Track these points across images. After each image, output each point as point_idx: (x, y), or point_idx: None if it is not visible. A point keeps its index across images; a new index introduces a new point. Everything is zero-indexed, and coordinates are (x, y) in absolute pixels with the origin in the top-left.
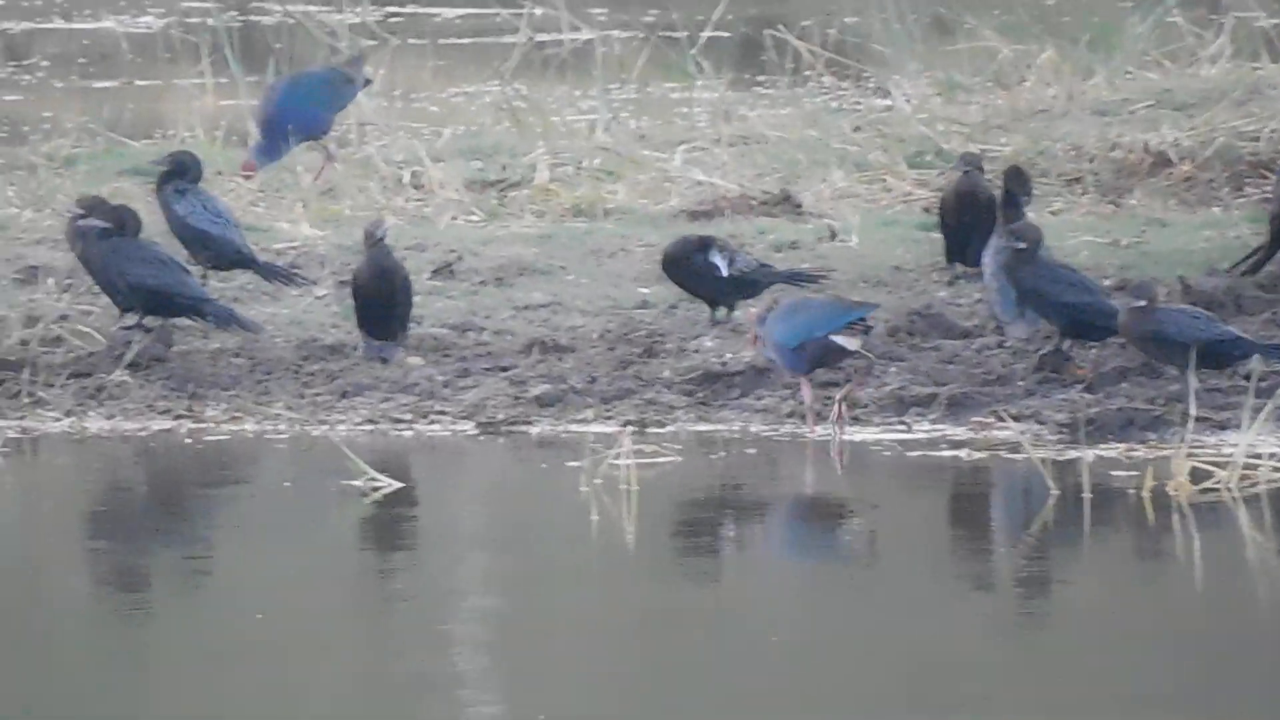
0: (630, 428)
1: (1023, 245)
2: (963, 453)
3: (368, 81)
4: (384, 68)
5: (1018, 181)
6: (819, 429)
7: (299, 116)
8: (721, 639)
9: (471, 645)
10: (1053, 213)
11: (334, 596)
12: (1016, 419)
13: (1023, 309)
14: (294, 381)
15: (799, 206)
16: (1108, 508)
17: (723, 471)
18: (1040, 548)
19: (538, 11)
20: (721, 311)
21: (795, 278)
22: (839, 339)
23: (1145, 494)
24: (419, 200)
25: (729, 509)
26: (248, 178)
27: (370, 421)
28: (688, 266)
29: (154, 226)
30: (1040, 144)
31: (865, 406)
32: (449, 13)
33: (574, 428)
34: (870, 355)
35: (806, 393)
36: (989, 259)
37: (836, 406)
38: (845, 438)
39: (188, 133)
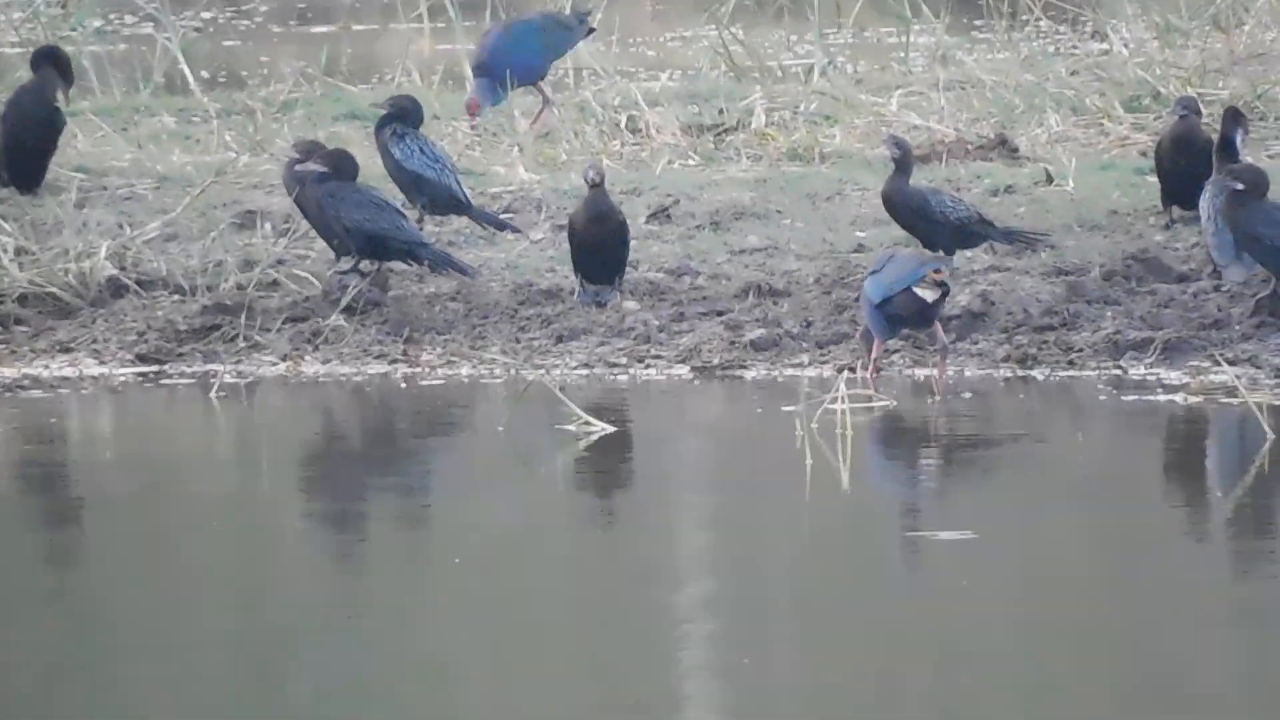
0: (846, 372)
1: (1240, 186)
2: (1179, 397)
3: (591, 30)
4: (601, 12)
5: (1235, 124)
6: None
7: (513, 62)
8: (959, 572)
9: (690, 593)
10: (1270, 156)
11: (548, 543)
12: (1232, 363)
13: (1240, 252)
14: (509, 326)
15: (1015, 151)
16: None
17: (937, 417)
18: (1256, 492)
19: None
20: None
21: (1012, 238)
22: (919, 290)
23: None
24: (635, 145)
25: (943, 455)
26: (472, 116)
27: (585, 366)
28: (908, 207)
29: (371, 170)
30: (1258, 88)
31: (1080, 351)
32: None
33: (789, 372)
34: (945, 341)
35: (877, 348)
36: (1205, 203)
37: (871, 365)
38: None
39: (405, 77)
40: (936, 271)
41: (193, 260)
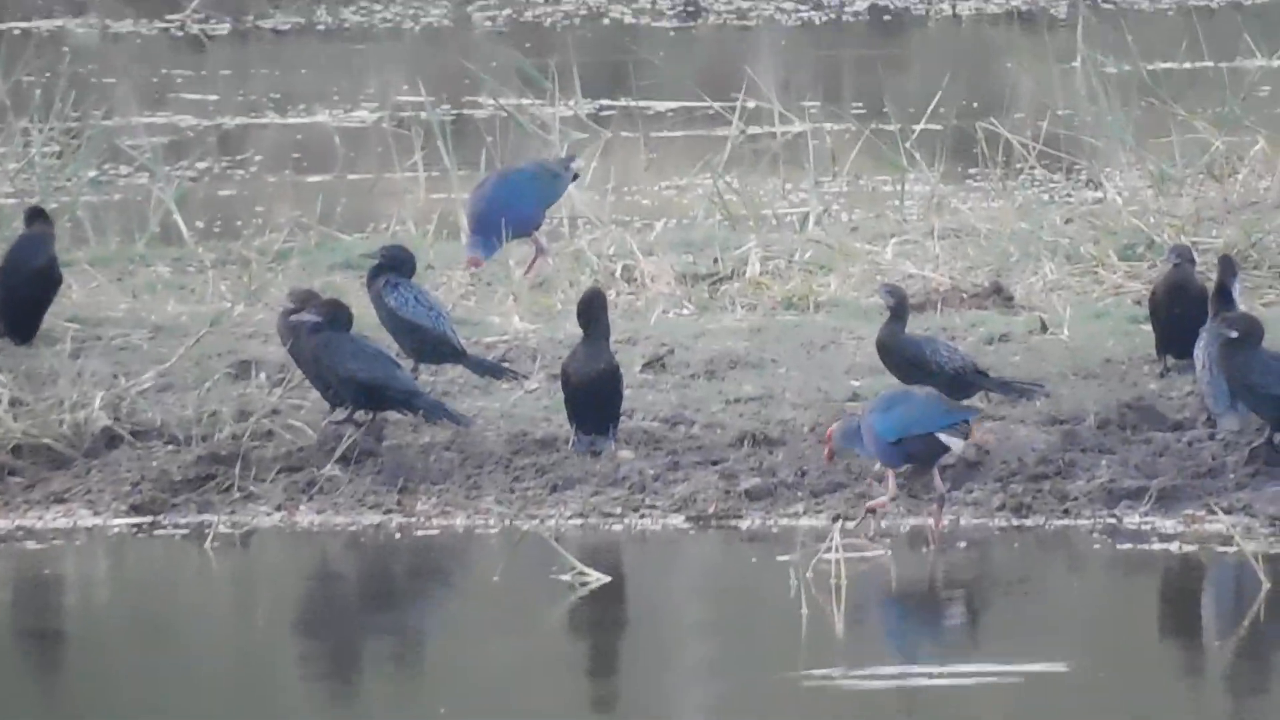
0: (841, 521)
1: (1235, 334)
2: (1173, 546)
3: (576, 176)
4: (596, 161)
5: (1230, 271)
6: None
7: (510, 213)
8: None
9: None
10: (1264, 304)
11: (542, 693)
12: (1228, 511)
13: (1234, 401)
14: (504, 475)
15: (1010, 299)
16: None
17: (933, 566)
18: (1252, 642)
19: (750, 104)
20: None
21: (1008, 388)
22: (944, 437)
23: None
24: (630, 294)
25: (938, 605)
26: (473, 271)
27: (580, 515)
28: (903, 355)
29: (365, 320)
30: (1252, 235)
31: (1075, 499)
32: (661, 105)
33: (784, 521)
34: (943, 489)
35: (891, 484)
36: (1200, 350)
37: (869, 515)
38: (864, 554)
39: (400, 226)
40: (965, 423)
41: (187, 410)
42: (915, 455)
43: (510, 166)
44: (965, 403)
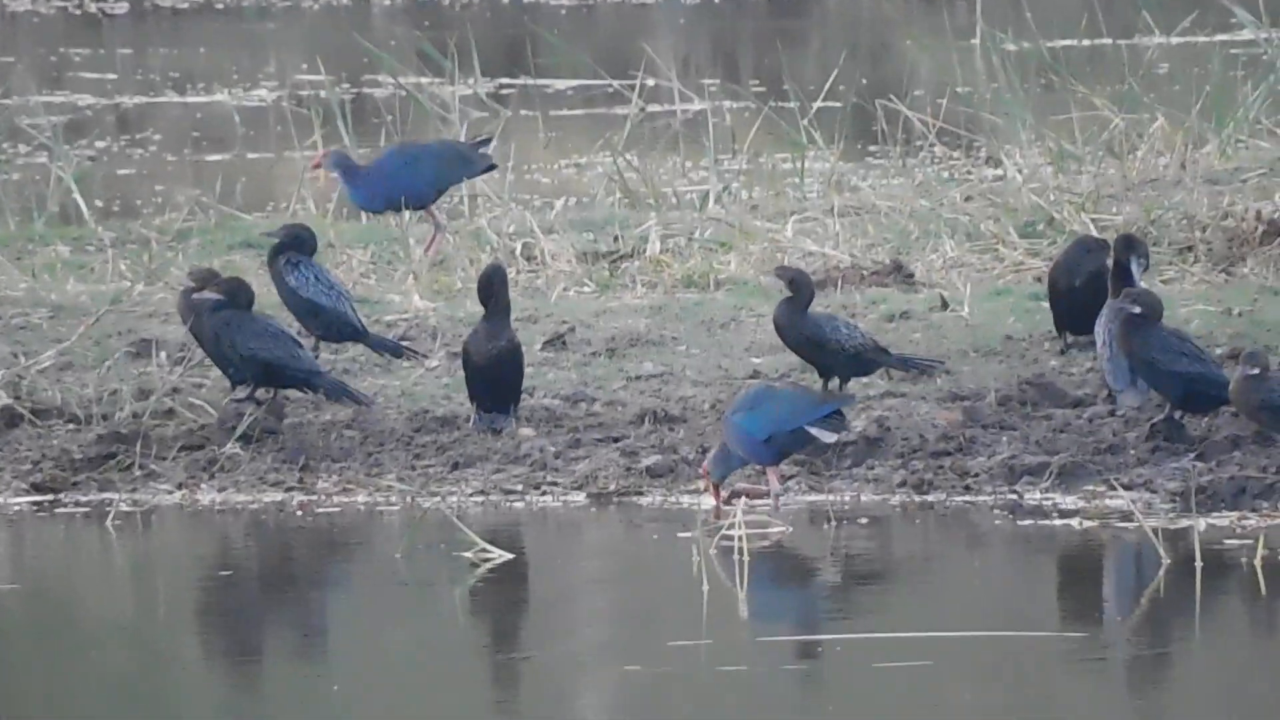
0: (743, 499)
1: (1138, 310)
2: (1074, 522)
3: (491, 167)
4: (495, 139)
5: (1128, 249)
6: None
7: (395, 180)
8: (828, 709)
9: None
10: (1164, 281)
11: (443, 671)
12: (1128, 488)
13: (1134, 377)
14: (405, 453)
15: (910, 276)
16: (1220, 577)
17: (834, 543)
18: (1152, 617)
19: (650, 83)
20: (834, 383)
21: (908, 364)
22: (815, 430)
23: (1257, 563)
24: (531, 272)
25: (840, 582)
26: (315, 167)
27: (481, 493)
28: (802, 334)
29: (266, 299)
30: (1152, 213)
31: (976, 476)
32: (560, 84)
33: (685, 498)
34: (779, 489)
35: (774, 481)
36: (1101, 327)
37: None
38: (766, 530)
39: (299, 205)
40: (837, 414)
41: (88, 389)
42: (787, 451)
43: (416, 141)
44: (845, 390)
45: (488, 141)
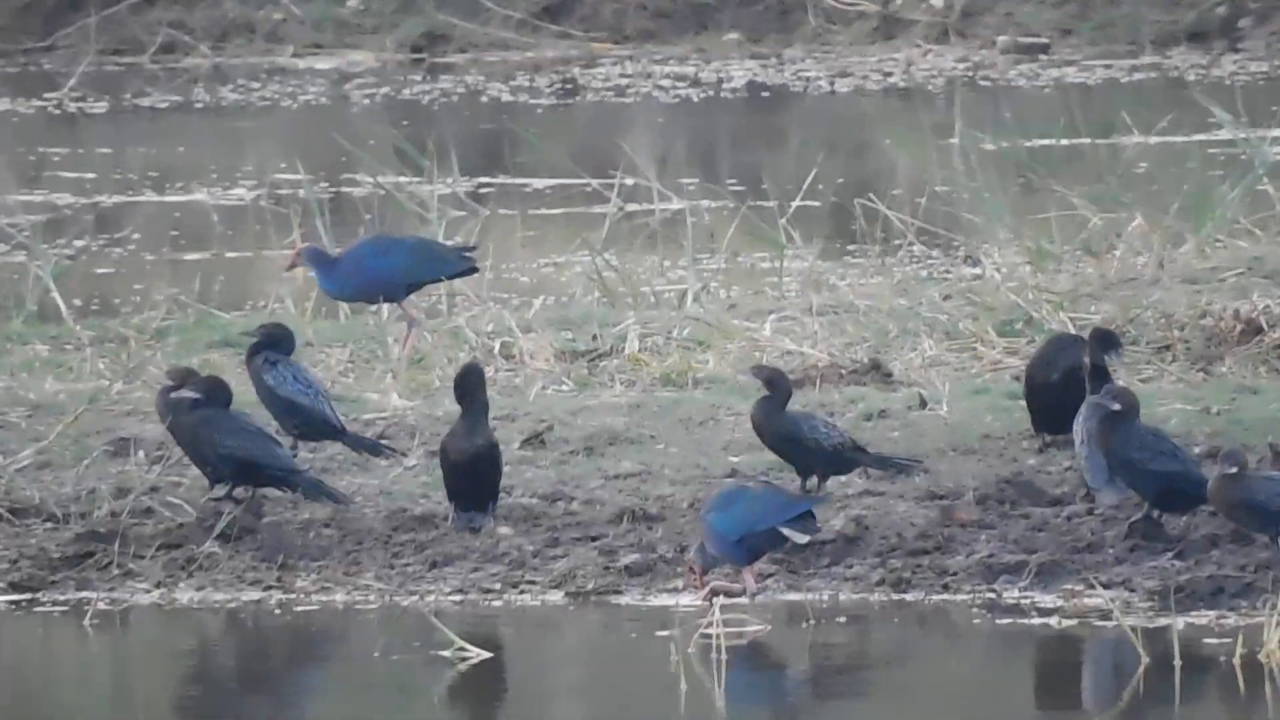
0: (720, 598)
1: (1118, 407)
2: (1053, 620)
3: (472, 270)
4: (474, 238)
5: (1103, 345)
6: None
7: (366, 270)
8: None
9: None
10: (1143, 380)
11: None
12: (1106, 586)
13: (1113, 476)
14: (384, 552)
15: (889, 375)
16: (1198, 676)
17: (813, 641)
18: (1131, 716)
19: (628, 181)
20: (812, 481)
21: (886, 463)
22: (788, 531)
23: (1236, 662)
24: (509, 370)
25: (819, 680)
26: (290, 268)
27: (460, 591)
28: (780, 432)
29: (244, 397)
30: (1130, 312)
31: (954, 574)
32: (539, 183)
33: (664, 597)
34: (754, 588)
35: (749, 580)
36: (1079, 426)
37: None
38: (744, 629)
39: (278, 304)
40: (808, 514)
41: (66, 488)
42: (759, 551)
43: (393, 234)
44: (823, 489)
45: (473, 248)
